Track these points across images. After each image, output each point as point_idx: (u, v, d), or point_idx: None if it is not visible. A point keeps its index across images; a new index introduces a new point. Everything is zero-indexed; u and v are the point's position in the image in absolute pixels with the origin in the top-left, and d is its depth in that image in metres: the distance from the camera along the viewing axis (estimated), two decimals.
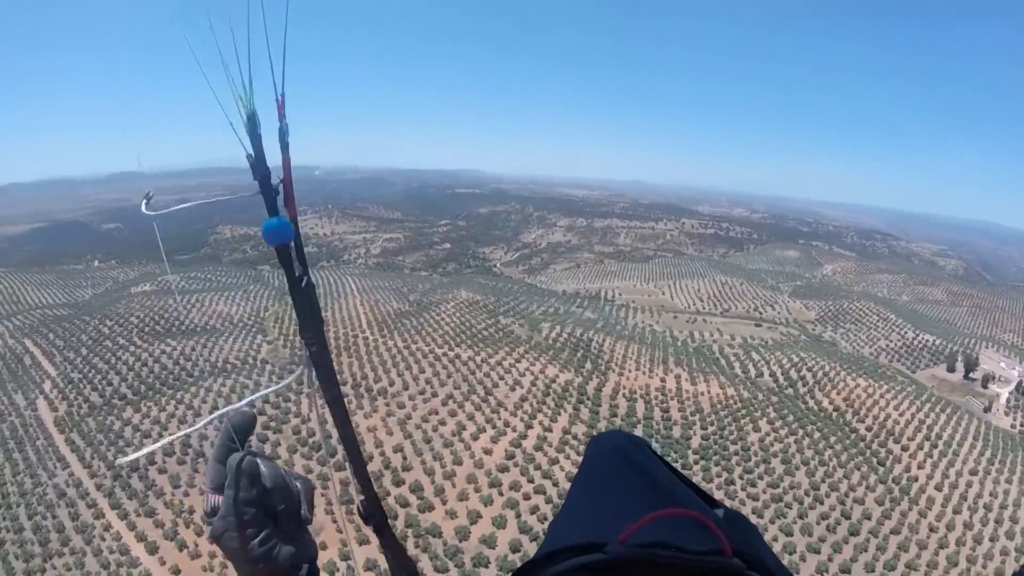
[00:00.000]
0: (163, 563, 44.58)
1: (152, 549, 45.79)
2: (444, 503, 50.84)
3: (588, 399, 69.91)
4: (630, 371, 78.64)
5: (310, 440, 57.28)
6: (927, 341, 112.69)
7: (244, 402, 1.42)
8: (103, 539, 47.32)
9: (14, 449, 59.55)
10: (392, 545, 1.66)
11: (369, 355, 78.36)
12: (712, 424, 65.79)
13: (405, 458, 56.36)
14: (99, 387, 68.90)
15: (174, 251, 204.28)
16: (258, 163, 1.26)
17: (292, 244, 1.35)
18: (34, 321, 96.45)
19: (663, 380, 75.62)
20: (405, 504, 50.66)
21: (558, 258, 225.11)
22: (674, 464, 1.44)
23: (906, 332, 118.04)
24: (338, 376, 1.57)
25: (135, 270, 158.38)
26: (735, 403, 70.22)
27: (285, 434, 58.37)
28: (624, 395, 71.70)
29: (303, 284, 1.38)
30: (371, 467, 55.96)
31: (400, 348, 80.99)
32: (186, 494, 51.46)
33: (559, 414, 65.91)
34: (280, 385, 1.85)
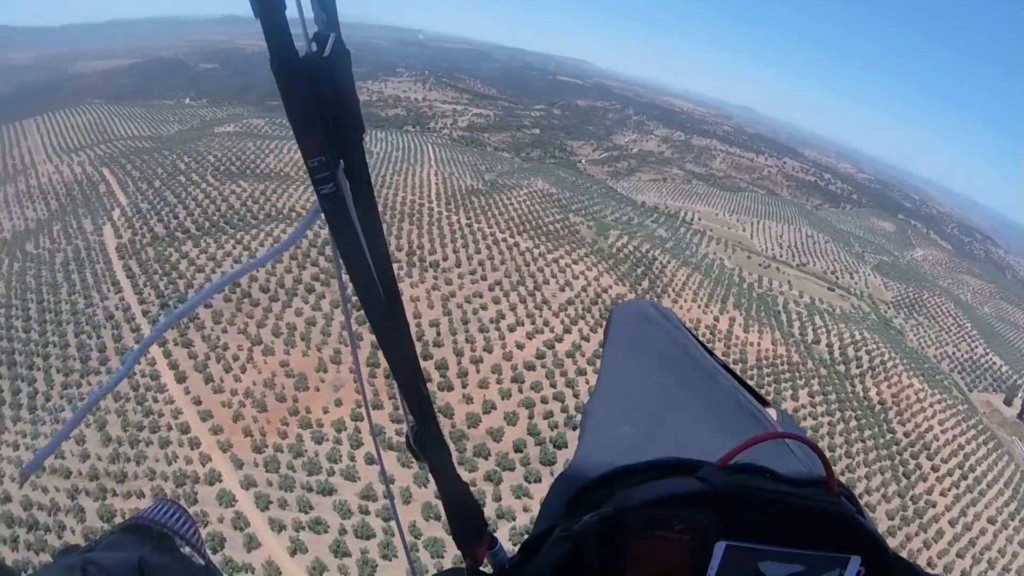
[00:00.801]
0: (187, 392, 46.64)
1: (181, 378, 47.85)
2: (464, 387, 51.03)
3: None
4: (686, 300, 76.53)
5: (355, 298, 57.72)
6: (994, 363, 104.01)
7: (235, 274, 1.01)
8: (138, 363, 49.34)
9: (74, 270, 62.47)
10: (451, 487, 1.28)
11: (430, 226, 77.85)
12: (751, 379, 62.31)
13: (439, 334, 56.44)
14: (165, 219, 70.93)
15: (265, 96, 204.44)
16: None
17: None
18: (115, 151, 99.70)
19: (716, 319, 73.32)
20: (427, 379, 50.92)
21: (646, 167, 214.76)
22: None
23: (976, 346, 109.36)
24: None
25: (224, 111, 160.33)
26: (782, 364, 67.37)
27: (332, 287, 59.05)
28: None
29: (325, 53, 0.78)
30: None
31: (462, 225, 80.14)
32: (224, 330, 53.12)
33: (601, 325, 64.20)
34: (260, 260, 1.12)
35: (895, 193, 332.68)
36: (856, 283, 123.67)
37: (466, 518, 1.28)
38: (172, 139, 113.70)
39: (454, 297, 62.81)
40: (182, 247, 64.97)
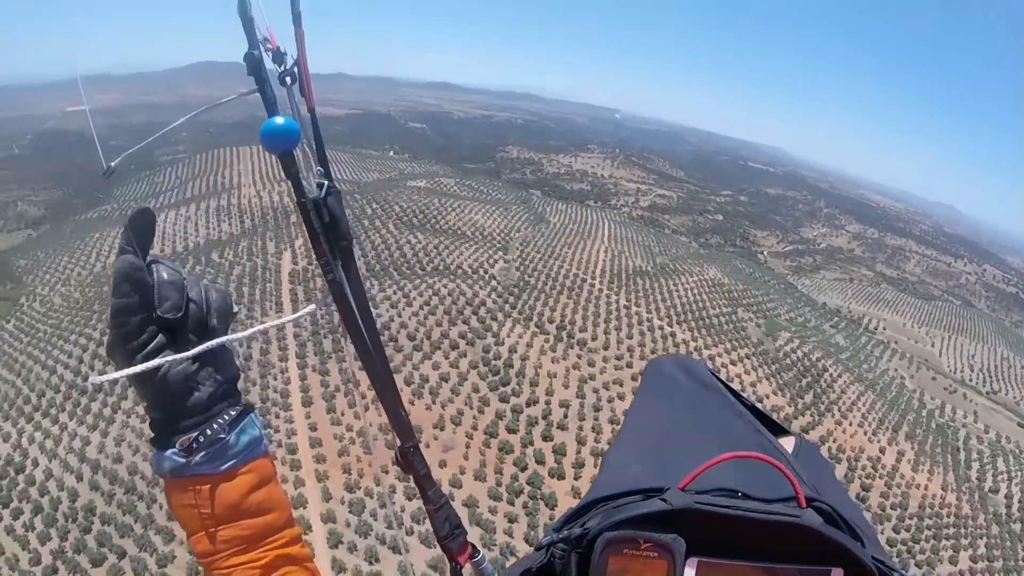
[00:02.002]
0: (308, 416, 48.93)
1: (307, 401, 50.22)
2: (576, 479, 47.50)
3: None
4: (851, 424, 65.78)
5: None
6: None
7: (243, 335, 1.25)
8: (274, 379, 52.23)
9: (246, 284, 68.03)
10: (433, 497, 1.41)
11: (587, 303, 75.66)
12: (907, 530, 52.41)
13: (566, 416, 53.70)
14: None
15: (462, 159, 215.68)
16: (248, 42, 0.99)
17: (299, 152, 1.10)
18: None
19: (882, 451, 61.82)
20: (540, 460, 48.37)
21: (832, 264, 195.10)
22: None
23: None
24: (374, 315, 1.34)
25: (421, 167, 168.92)
26: (948, 515, 55.68)
27: (475, 347, 58.86)
28: (829, 447, 59.84)
29: (322, 195, 1.16)
30: (532, 411, 54.88)
31: (620, 306, 76.86)
32: (361, 368, 52.74)
33: None
34: (277, 322, 1.50)
35: None
36: None
37: (447, 524, 1.39)
38: (368, 186, 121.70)
39: (593, 380, 59.75)
40: None
